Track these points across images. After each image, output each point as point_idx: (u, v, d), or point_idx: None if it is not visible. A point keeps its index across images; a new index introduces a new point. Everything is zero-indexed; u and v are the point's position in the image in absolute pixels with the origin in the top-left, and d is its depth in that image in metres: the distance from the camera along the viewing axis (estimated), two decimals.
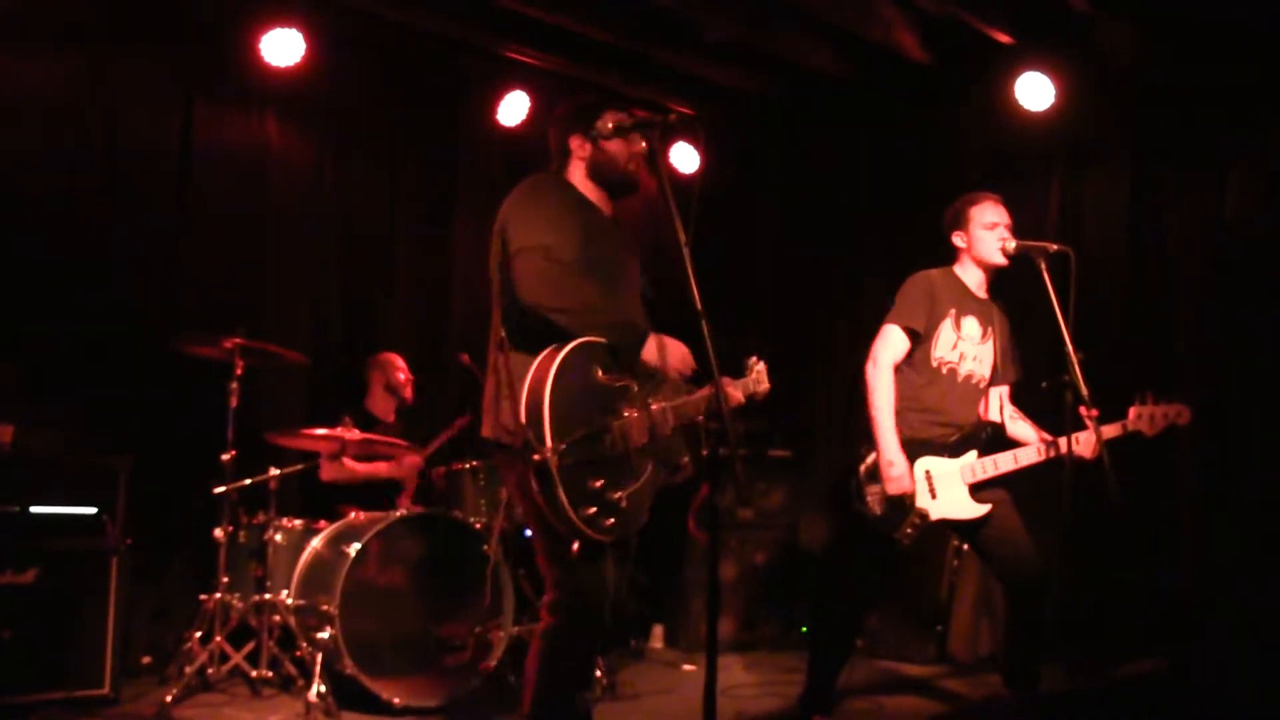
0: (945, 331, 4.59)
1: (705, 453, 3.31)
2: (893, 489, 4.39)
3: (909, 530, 4.41)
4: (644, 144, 3.67)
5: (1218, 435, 5.69)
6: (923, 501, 4.42)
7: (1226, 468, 5.71)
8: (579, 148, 3.76)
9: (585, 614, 3.48)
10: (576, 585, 3.45)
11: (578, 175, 3.78)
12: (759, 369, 3.91)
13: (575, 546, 3.32)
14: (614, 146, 3.72)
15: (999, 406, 4.76)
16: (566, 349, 3.33)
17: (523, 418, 3.27)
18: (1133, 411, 4.51)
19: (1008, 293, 4.83)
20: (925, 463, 4.46)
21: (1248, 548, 5.53)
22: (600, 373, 3.41)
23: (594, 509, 3.29)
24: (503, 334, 3.52)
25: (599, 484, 3.31)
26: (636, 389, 3.48)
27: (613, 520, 3.34)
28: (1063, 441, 4.32)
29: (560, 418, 3.25)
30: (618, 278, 3.70)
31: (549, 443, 3.21)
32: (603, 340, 3.43)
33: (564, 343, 3.35)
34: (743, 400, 3.82)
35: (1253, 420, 5.62)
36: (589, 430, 3.30)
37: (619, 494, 3.36)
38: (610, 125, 3.31)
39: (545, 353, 3.34)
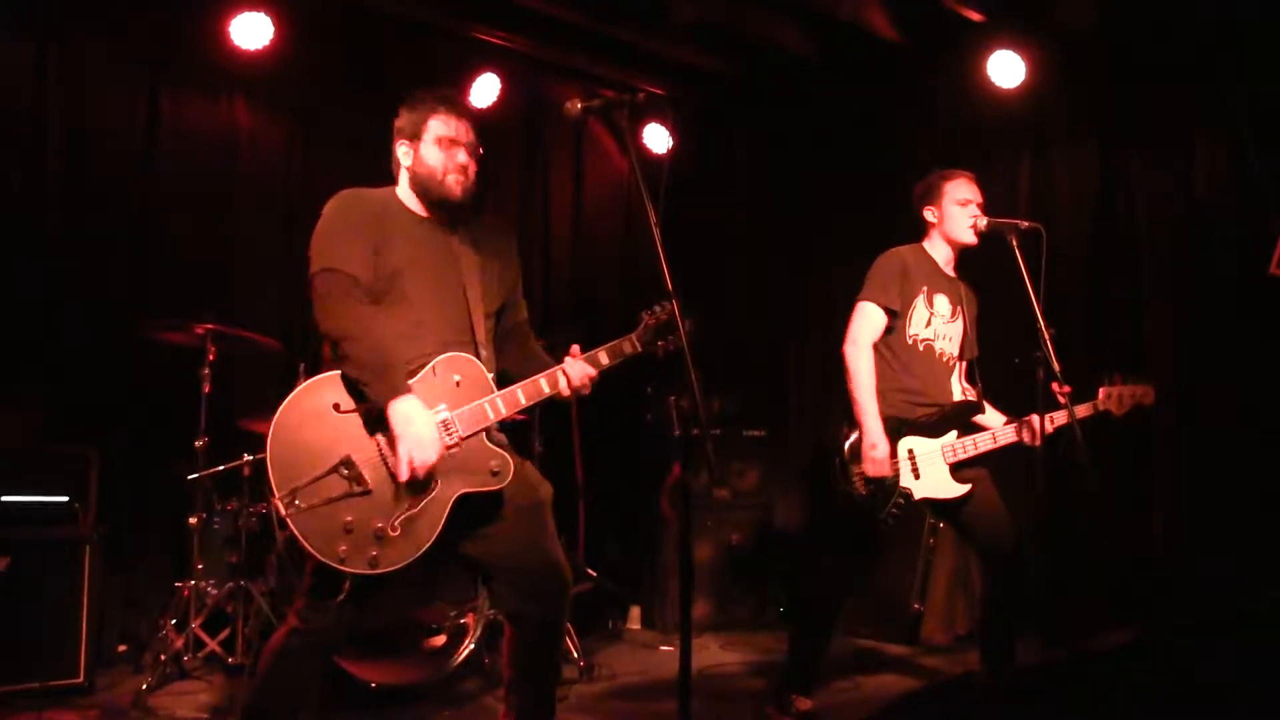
0: (919, 308, 4.60)
1: (677, 433, 3.28)
2: (872, 470, 4.39)
3: (893, 510, 4.42)
4: (467, 158, 3.60)
5: (1188, 409, 5.72)
6: (906, 481, 4.43)
7: (1197, 441, 5.74)
8: (404, 154, 3.66)
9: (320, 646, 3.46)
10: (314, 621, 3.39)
11: (404, 182, 3.67)
12: (660, 314, 3.66)
13: (347, 585, 3.29)
14: (433, 157, 3.60)
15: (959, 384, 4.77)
16: (296, 391, 3.28)
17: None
18: (1102, 392, 4.58)
19: (978, 269, 4.85)
20: (908, 442, 4.47)
21: (1217, 519, 5.58)
22: (340, 405, 3.30)
23: (345, 547, 3.20)
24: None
25: (348, 519, 3.22)
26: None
27: (375, 553, 3.24)
28: (1035, 417, 4.35)
29: (285, 465, 3.19)
30: (423, 293, 3.50)
31: (276, 491, 3.16)
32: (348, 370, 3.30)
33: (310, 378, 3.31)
34: (605, 364, 3.67)
35: (1223, 394, 5.66)
36: (322, 471, 3.21)
37: (383, 523, 3.26)
38: (578, 107, 3.28)
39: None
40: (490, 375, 3.52)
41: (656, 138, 7.61)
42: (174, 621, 5.13)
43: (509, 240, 3.83)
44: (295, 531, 3.15)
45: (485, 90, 7.03)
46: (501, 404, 3.45)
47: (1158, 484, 5.89)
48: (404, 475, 3.26)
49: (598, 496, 6.93)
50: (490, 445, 3.46)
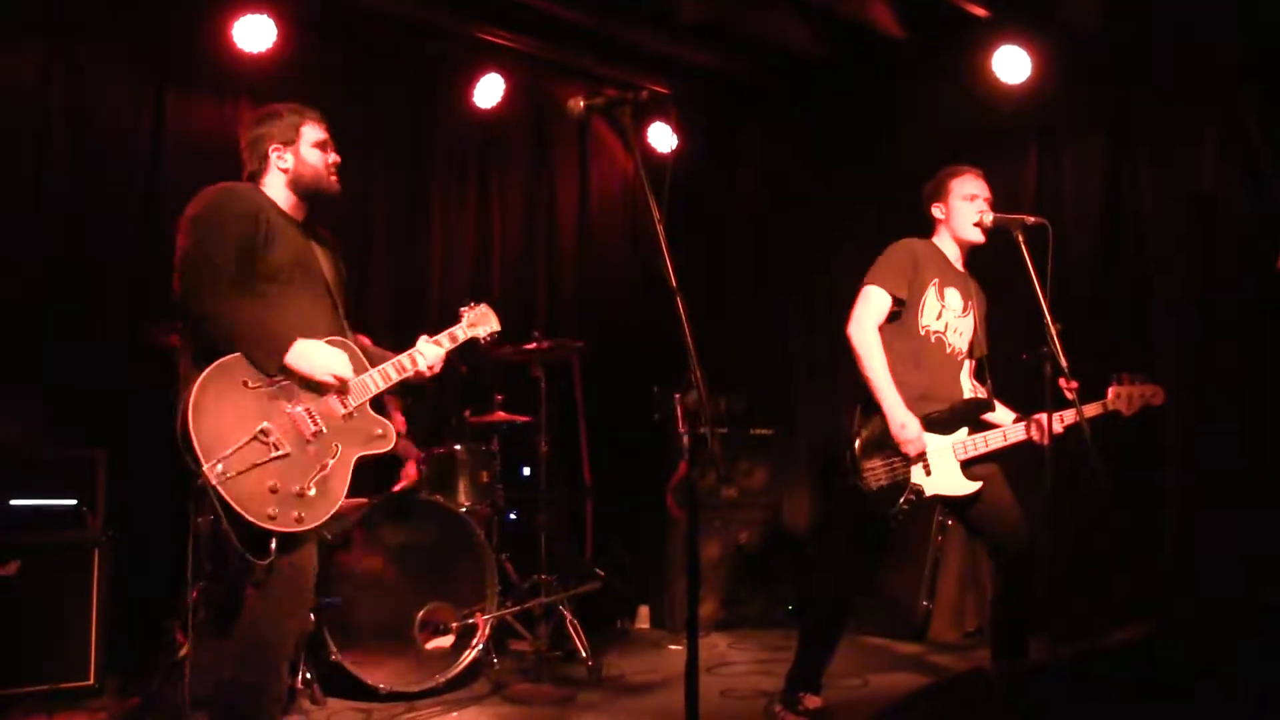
0: (930, 300, 4.57)
1: (684, 431, 3.33)
2: (912, 450, 4.35)
3: (903, 506, 4.40)
4: (336, 157, 4.01)
5: (1199, 404, 5.70)
6: (917, 478, 4.41)
7: (1206, 439, 5.72)
8: (279, 158, 3.94)
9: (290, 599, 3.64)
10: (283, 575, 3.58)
11: (275, 183, 3.95)
12: (477, 310, 4.29)
13: (273, 544, 3.49)
14: (314, 158, 3.95)
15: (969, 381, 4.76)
16: (206, 372, 3.50)
17: (180, 441, 3.44)
18: (1111, 391, 4.54)
19: (987, 265, 4.83)
20: None
21: (1227, 518, 5.56)
22: (249, 382, 3.57)
23: (273, 508, 3.47)
24: (179, 343, 3.76)
25: (272, 483, 3.49)
26: (297, 386, 3.66)
27: (299, 512, 3.53)
28: (1044, 415, 4.33)
29: (209, 436, 3.44)
30: (301, 286, 3.83)
31: (204, 463, 3.39)
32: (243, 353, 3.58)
33: (210, 361, 3.53)
34: (448, 346, 4.12)
35: (1231, 391, 5.64)
36: (245, 439, 3.48)
37: (299, 485, 3.55)
38: (581, 106, 3.30)
39: (198, 375, 3.51)
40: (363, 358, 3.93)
41: (661, 136, 7.61)
42: (183, 624, 5.12)
43: (338, 249, 4.15)
44: (228, 498, 3.39)
45: (490, 90, 7.04)
46: (379, 378, 3.89)
47: (1167, 482, 5.87)
48: (334, 384, 3.68)
49: (605, 496, 6.93)
50: (374, 414, 3.86)
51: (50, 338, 5.66)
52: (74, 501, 5.03)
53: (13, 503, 4.90)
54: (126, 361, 5.70)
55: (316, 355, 3.67)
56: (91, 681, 4.87)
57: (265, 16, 6.09)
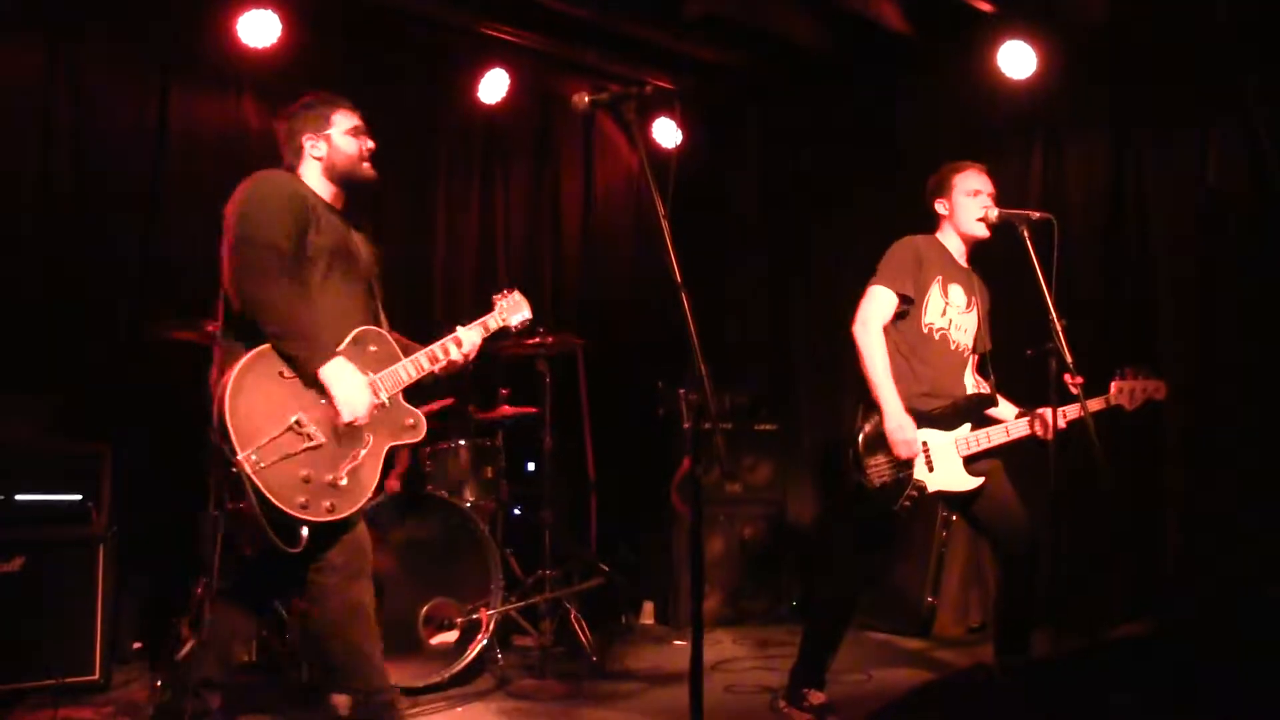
0: (934, 297, 4.58)
1: (688, 426, 3.35)
2: (903, 451, 4.36)
3: (906, 503, 4.40)
4: (372, 144, 4.05)
5: (1200, 402, 5.69)
6: (920, 473, 4.42)
7: (1209, 435, 5.71)
8: (312, 146, 4.00)
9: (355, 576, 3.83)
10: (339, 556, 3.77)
11: (311, 172, 3.99)
12: (511, 298, 4.33)
13: (304, 533, 3.54)
14: (348, 145, 4.00)
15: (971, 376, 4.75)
16: (244, 360, 3.56)
17: (216, 426, 3.51)
18: (1114, 386, 4.54)
19: (991, 261, 4.83)
20: (922, 435, 4.45)
21: (1229, 514, 5.55)
22: (284, 372, 3.62)
23: (304, 497, 3.54)
24: (219, 328, 3.75)
25: (305, 473, 3.57)
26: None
27: (331, 501, 3.60)
28: (1047, 410, 4.33)
29: (245, 425, 3.50)
30: (341, 275, 3.87)
31: (240, 452, 3.45)
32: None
33: (250, 348, 3.59)
34: (483, 335, 4.17)
35: (1235, 387, 5.63)
36: (280, 430, 3.54)
37: (331, 475, 3.63)
38: (586, 100, 3.30)
39: (236, 362, 3.56)
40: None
41: (666, 131, 7.60)
42: (189, 619, 5.13)
43: (371, 239, 4.17)
44: (261, 487, 3.45)
45: (494, 86, 7.03)
46: (413, 368, 3.93)
47: (1169, 477, 5.86)
48: (343, 422, 3.66)
49: (609, 492, 6.92)
50: (405, 404, 3.91)
51: (55, 334, 5.66)
52: (78, 497, 5.02)
53: (17, 498, 4.90)
54: (131, 358, 5.71)
55: (347, 385, 3.66)
56: (96, 677, 4.87)
57: (269, 11, 6.08)
